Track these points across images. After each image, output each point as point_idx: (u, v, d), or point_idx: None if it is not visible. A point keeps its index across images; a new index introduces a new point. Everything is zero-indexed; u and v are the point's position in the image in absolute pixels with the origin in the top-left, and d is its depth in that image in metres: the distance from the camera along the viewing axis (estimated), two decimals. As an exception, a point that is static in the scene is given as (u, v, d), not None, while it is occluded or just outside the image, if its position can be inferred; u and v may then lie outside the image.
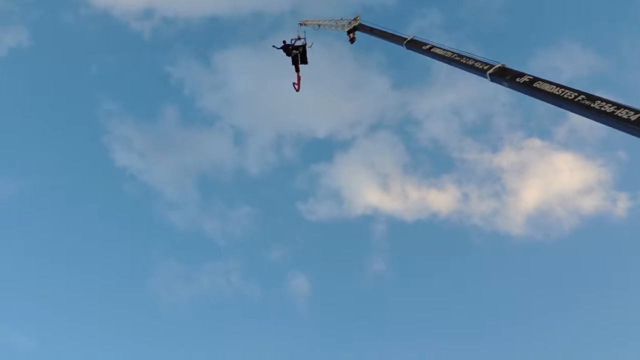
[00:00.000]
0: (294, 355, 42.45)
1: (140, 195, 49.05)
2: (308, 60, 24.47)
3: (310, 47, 24.38)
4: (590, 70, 47.11)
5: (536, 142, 47.90)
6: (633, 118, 9.47)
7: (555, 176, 47.19)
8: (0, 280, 43.54)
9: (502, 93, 46.80)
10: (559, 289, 42.29)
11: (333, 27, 23.68)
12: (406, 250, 48.61)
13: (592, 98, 10.39)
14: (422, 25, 48.76)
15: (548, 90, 11.41)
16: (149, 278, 46.36)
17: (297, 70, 23.79)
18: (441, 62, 15.49)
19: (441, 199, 47.59)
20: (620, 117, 9.65)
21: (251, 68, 52.03)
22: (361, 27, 21.62)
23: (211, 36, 55.80)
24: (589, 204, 44.84)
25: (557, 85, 11.31)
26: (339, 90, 51.35)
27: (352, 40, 22.50)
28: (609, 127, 10.26)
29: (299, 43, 24.40)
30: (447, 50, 14.83)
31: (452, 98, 50.29)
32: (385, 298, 44.80)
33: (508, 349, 40.75)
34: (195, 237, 48.07)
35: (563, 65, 47.22)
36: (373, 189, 48.91)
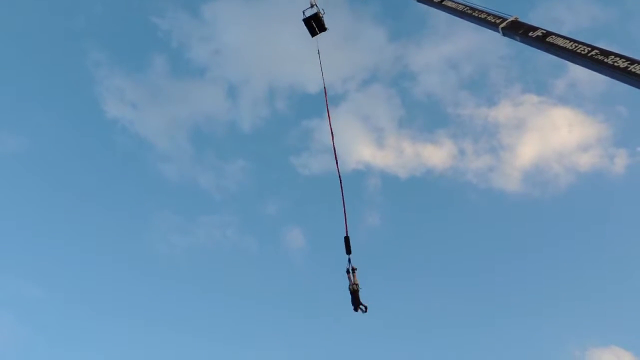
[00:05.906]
0: (290, 307, 43.61)
1: (133, 147, 48.91)
2: (326, 26, 23.71)
3: (323, 14, 23.62)
4: (592, 21, 46.40)
5: (534, 97, 47.84)
6: (647, 73, 9.59)
7: (553, 132, 47.35)
8: (3, 234, 43.95)
9: (500, 46, 46.42)
10: (555, 246, 43.14)
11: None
12: (401, 205, 49.33)
13: (606, 53, 10.47)
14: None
15: (561, 44, 11.45)
16: (145, 230, 46.94)
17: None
18: (447, 14, 15.32)
19: (436, 155, 47.93)
20: (634, 72, 9.77)
21: (241, 19, 50.92)
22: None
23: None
24: (587, 160, 45.17)
25: (571, 39, 11.34)
26: (333, 42, 50.34)
27: None
28: (609, 82, 10.44)
29: (310, 12, 23.51)
30: (459, 3, 14.64)
31: (448, 50, 49.76)
32: (378, 253, 45.68)
33: (502, 305, 41.96)
34: (190, 190, 48.42)
35: (564, 16, 46.43)
36: (367, 143, 49.07)
